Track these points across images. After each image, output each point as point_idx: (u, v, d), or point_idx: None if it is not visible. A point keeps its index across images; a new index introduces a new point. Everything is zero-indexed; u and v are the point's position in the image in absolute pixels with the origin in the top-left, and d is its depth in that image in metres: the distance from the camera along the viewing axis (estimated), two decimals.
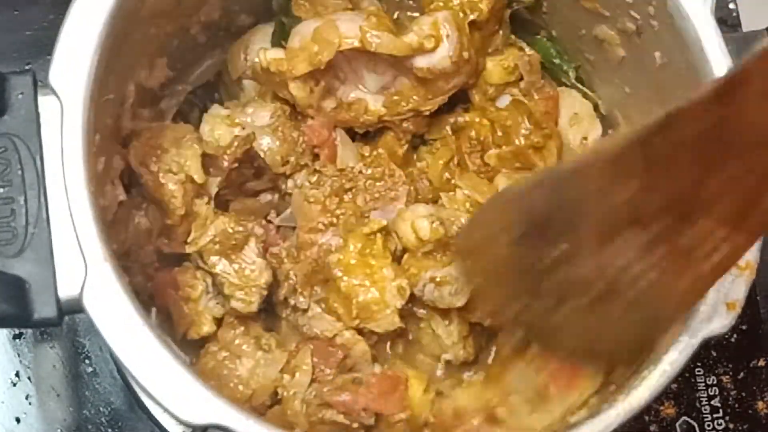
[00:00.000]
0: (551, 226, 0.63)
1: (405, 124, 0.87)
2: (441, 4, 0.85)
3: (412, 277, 0.81)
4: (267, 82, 0.86)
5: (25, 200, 0.64)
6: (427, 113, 0.86)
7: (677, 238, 0.57)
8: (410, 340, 0.85)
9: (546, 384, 0.76)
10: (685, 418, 0.96)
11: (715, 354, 0.98)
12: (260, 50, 0.85)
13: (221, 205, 0.83)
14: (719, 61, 0.72)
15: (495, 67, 0.88)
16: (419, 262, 0.82)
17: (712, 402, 0.97)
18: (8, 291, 0.62)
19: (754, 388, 0.97)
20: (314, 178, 0.86)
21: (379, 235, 0.81)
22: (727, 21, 1.05)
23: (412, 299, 0.82)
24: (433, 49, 0.82)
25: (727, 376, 0.97)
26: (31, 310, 0.63)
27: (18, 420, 0.91)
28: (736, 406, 0.97)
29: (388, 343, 0.85)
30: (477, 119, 0.88)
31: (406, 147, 0.88)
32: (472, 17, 0.84)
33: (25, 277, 0.63)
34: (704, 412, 0.96)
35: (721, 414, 0.96)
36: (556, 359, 0.75)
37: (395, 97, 0.85)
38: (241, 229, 0.79)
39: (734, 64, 0.63)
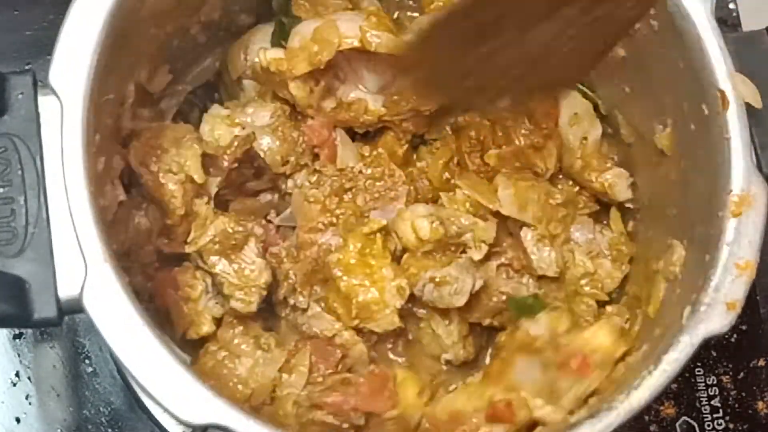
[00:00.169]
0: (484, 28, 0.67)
1: (405, 124, 0.87)
2: (441, 4, 0.85)
3: (412, 277, 0.81)
4: (267, 82, 0.86)
5: (25, 200, 0.64)
6: (427, 113, 0.86)
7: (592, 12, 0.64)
8: (410, 340, 0.85)
9: (555, 377, 0.76)
10: (685, 418, 0.96)
11: (715, 354, 0.98)
12: (260, 50, 0.85)
13: (221, 205, 0.83)
14: (719, 61, 0.72)
15: None
16: (419, 261, 0.82)
17: (712, 402, 0.97)
18: (8, 291, 0.62)
19: (754, 388, 0.97)
20: (314, 178, 0.86)
21: (378, 234, 0.82)
22: (727, 21, 1.05)
23: (412, 299, 0.82)
24: None
25: (727, 376, 0.97)
26: (31, 310, 0.63)
27: (18, 420, 0.91)
28: (736, 406, 0.97)
29: (389, 344, 0.85)
30: (477, 119, 0.88)
31: (406, 147, 0.88)
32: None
33: (25, 277, 0.63)
34: (704, 412, 0.96)
35: (721, 414, 0.96)
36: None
37: (395, 97, 0.85)
38: (240, 229, 0.79)
39: None
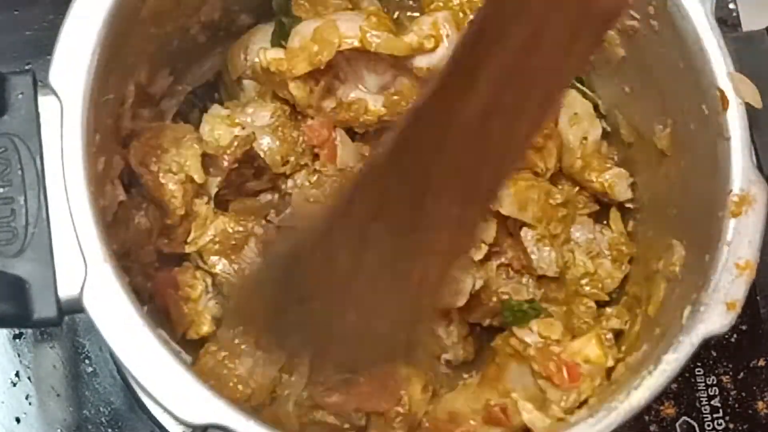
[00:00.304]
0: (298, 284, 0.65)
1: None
2: (441, 4, 0.85)
3: None
4: (267, 82, 0.86)
5: (25, 200, 0.64)
6: None
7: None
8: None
9: (546, 385, 0.77)
10: (685, 418, 0.96)
11: (715, 354, 0.98)
12: (260, 50, 0.85)
13: (221, 205, 0.83)
14: (719, 61, 0.72)
15: None
16: None
17: (712, 402, 0.96)
18: (8, 291, 0.62)
19: (754, 388, 0.97)
20: (314, 178, 0.86)
21: None
22: (727, 21, 1.05)
23: None
24: (433, 49, 0.82)
25: (727, 376, 0.97)
26: (31, 310, 0.63)
27: (18, 420, 0.91)
28: (736, 406, 0.97)
29: None
30: None
31: None
32: (472, 17, 0.84)
33: (25, 277, 0.63)
34: (704, 412, 0.96)
35: (721, 414, 0.96)
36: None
37: (395, 97, 0.85)
38: (240, 228, 0.79)
39: None
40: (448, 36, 0.82)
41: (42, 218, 0.64)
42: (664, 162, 0.80)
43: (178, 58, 0.85)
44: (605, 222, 0.89)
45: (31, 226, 0.63)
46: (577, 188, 0.89)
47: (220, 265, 0.80)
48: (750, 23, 1.05)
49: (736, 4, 1.06)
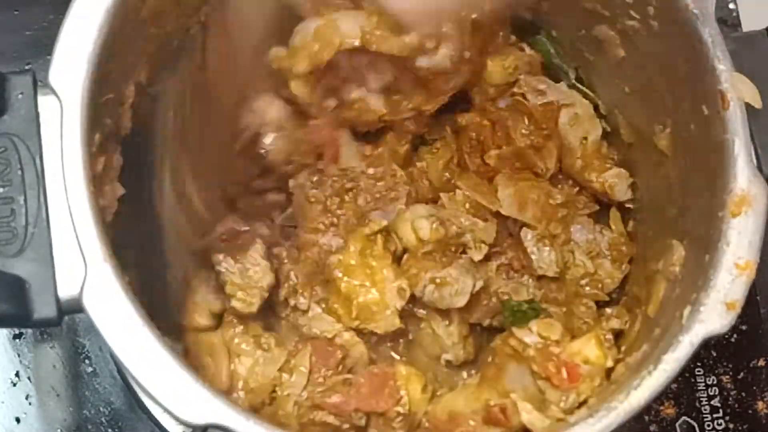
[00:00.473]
0: None
1: (406, 123, 0.87)
2: None
3: (413, 278, 0.81)
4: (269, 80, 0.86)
5: (25, 200, 0.64)
6: (428, 113, 0.86)
7: None
8: (410, 340, 0.85)
9: (545, 385, 0.77)
10: (685, 418, 0.96)
11: (715, 354, 0.98)
12: None
13: (228, 203, 0.83)
14: (719, 61, 0.72)
15: (495, 68, 0.88)
16: (419, 262, 0.82)
17: (712, 402, 0.97)
18: (8, 291, 0.62)
19: (754, 388, 0.97)
20: (315, 178, 0.86)
21: (379, 236, 0.82)
22: (727, 21, 1.05)
23: (412, 299, 0.82)
24: (435, 49, 0.81)
25: (727, 376, 0.97)
26: (31, 310, 0.63)
27: (18, 420, 0.91)
28: (736, 406, 0.97)
29: (389, 343, 0.85)
30: (477, 119, 0.88)
31: (407, 147, 0.88)
32: (473, 16, 0.83)
33: (25, 277, 0.63)
34: (704, 412, 0.96)
35: (721, 414, 0.96)
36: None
37: (396, 97, 0.85)
38: (247, 228, 0.79)
39: None
40: (448, 37, 0.82)
41: (42, 218, 0.64)
42: (664, 162, 0.80)
43: (178, 58, 0.84)
44: (605, 222, 0.89)
45: (31, 226, 0.63)
46: (577, 188, 0.89)
47: (225, 263, 0.80)
48: (750, 23, 1.05)
49: (736, 4, 1.06)
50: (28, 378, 0.92)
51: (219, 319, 0.82)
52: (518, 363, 0.79)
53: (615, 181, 0.87)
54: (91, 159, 0.66)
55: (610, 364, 0.77)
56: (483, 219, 0.85)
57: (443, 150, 0.89)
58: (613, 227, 0.89)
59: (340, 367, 0.79)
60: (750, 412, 0.97)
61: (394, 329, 0.80)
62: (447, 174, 0.88)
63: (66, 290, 0.63)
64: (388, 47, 0.81)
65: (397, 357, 0.85)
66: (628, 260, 0.87)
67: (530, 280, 0.87)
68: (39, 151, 0.65)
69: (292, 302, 0.83)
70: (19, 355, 0.93)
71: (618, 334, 0.82)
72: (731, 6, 1.06)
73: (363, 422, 0.77)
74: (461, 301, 0.82)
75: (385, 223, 0.82)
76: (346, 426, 0.77)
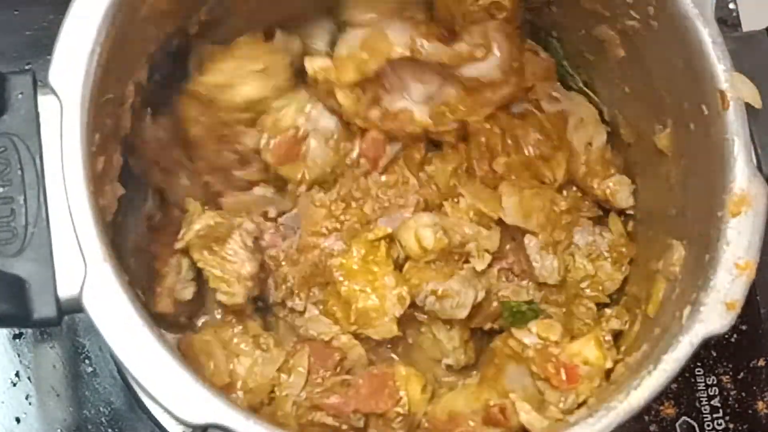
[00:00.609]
0: None
1: (448, 138, 0.86)
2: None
3: (413, 287, 0.81)
4: (313, 91, 0.85)
5: (25, 200, 0.64)
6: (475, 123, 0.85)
7: None
8: (410, 344, 0.85)
9: (544, 386, 0.77)
10: (685, 418, 0.96)
11: (715, 354, 0.98)
12: (306, 59, 0.83)
13: (212, 198, 0.83)
14: (719, 61, 0.72)
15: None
16: (421, 272, 0.81)
17: (712, 402, 0.96)
18: (8, 291, 0.62)
19: (754, 388, 0.97)
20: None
21: (383, 242, 0.81)
22: (727, 21, 1.05)
23: (413, 304, 0.82)
24: (484, 58, 0.81)
25: (727, 376, 0.97)
26: (31, 310, 0.63)
27: (18, 420, 0.91)
28: (736, 406, 0.97)
29: (388, 346, 0.85)
30: (488, 126, 0.87)
31: (423, 152, 0.87)
32: (499, 17, 0.82)
33: (25, 277, 0.63)
34: (704, 412, 0.96)
35: (721, 414, 0.96)
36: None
37: (441, 107, 0.84)
38: (222, 221, 0.79)
39: None
40: (498, 45, 0.81)
41: (42, 218, 0.64)
42: (664, 162, 0.80)
43: (178, 58, 0.84)
44: (605, 224, 0.89)
45: (31, 226, 0.63)
46: (580, 194, 0.89)
47: (205, 258, 0.80)
48: (750, 23, 1.05)
49: (736, 4, 1.06)
50: (28, 378, 0.92)
51: (192, 310, 0.82)
52: (518, 363, 0.79)
53: (617, 189, 0.86)
54: (91, 159, 0.66)
55: (609, 365, 0.77)
56: (486, 227, 0.84)
57: (453, 156, 0.87)
58: (612, 229, 0.88)
59: (339, 369, 0.79)
60: (750, 412, 0.97)
61: (391, 336, 0.80)
62: (454, 180, 0.87)
63: (66, 290, 0.63)
64: (437, 56, 0.80)
65: (397, 358, 0.85)
66: (628, 261, 0.87)
67: (530, 283, 0.86)
68: (39, 151, 0.65)
69: (288, 304, 0.83)
70: (19, 355, 0.93)
71: (618, 335, 0.82)
72: (731, 6, 1.06)
73: (361, 423, 0.77)
74: (462, 314, 0.81)
75: (389, 230, 0.82)
76: (344, 427, 0.76)
